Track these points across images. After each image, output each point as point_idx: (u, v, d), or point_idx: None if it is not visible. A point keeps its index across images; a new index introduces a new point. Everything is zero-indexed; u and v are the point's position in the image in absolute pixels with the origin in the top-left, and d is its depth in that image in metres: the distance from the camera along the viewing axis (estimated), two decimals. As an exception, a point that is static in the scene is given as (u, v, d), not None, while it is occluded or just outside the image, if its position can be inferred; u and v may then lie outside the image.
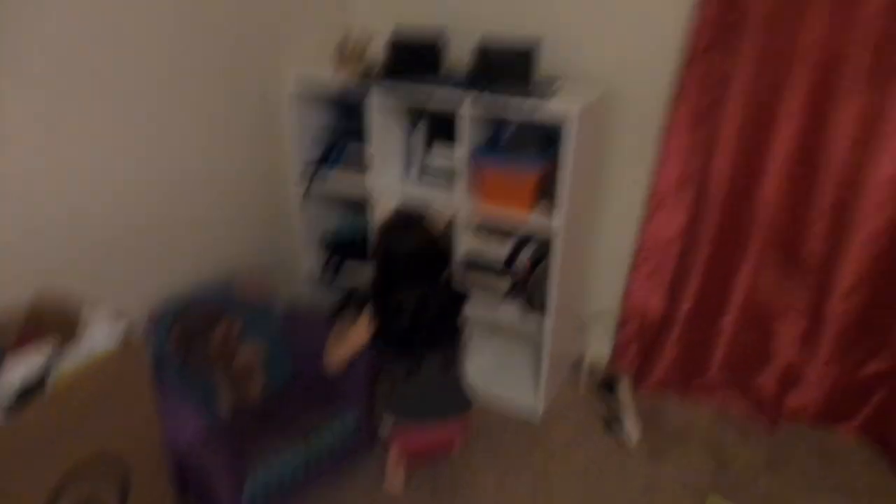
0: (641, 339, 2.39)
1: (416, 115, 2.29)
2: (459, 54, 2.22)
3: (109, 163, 1.70)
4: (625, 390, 2.28)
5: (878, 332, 2.03)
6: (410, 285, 1.78)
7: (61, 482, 1.29)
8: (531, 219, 2.02)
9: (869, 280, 1.98)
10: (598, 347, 2.52)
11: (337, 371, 1.87)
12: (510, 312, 2.19)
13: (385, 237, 1.86)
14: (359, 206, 2.50)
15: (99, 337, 1.39)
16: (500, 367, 2.51)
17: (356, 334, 1.81)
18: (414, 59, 2.18)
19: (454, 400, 1.87)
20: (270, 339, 2.00)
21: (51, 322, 1.47)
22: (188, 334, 1.81)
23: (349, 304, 2.41)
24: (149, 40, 1.73)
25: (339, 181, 2.32)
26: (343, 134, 2.38)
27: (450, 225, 2.08)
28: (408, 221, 1.88)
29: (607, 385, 2.35)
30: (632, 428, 2.14)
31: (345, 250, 2.52)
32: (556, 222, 1.94)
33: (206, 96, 1.96)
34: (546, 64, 2.12)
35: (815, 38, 1.78)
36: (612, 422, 2.21)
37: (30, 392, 1.25)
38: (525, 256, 2.17)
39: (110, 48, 1.63)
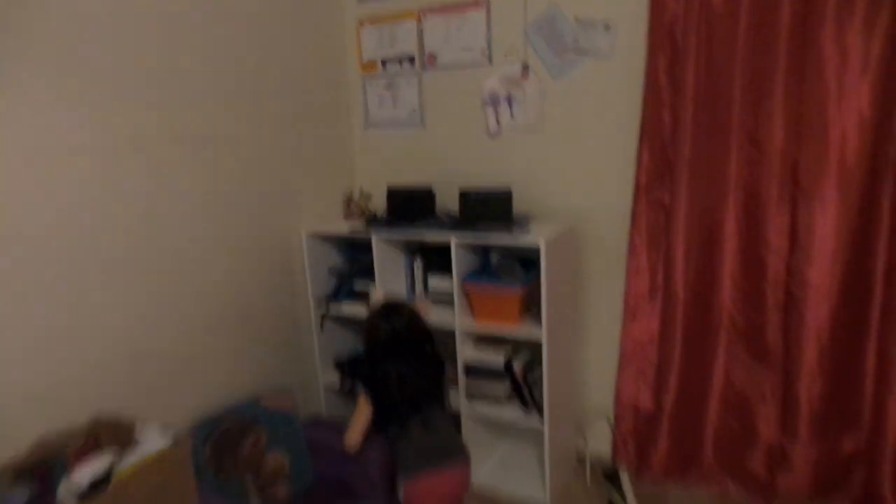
0: (636, 433, 2.61)
1: (414, 250, 2.69)
2: (445, 203, 2.67)
3: (162, 307, 2.08)
4: (626, 481, 2.47)
5: (845, 410, 2.26)
6: (395, 360, 2.09)
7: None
8: (520, 330, 2.34)
9: (826, 363, 2.23)
10: (599, 442, 2.73)
11: (355, 451, 2.12)
12: (511, 413, 2.45)
13: (373, 319, 2.18)
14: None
15: (152, 444, 1.69)
16: (508, 464, 2.72)
17: (360, 412, 2.09)
18: (409, 206, 2.62)
19: (451, 449, 2.05)
20: (294, 448, 2.26)
21: (108, 436, 1.76)
22: (221, 445, 2.07)
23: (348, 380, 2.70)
24: (199, 210, 2.18)
25: (351, 308, 2.67)
26: (352, 270, 2.77)
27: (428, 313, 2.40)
28: (394, 307, 2.21)
29: (610, 477, 2.53)
30: (635, 514, 2.32)
31: (356, 371, 2.80)
32: (542, 332, 2.26)
33: (240, 248, 2.38)
34: (520, 205, 2.54)
35: (735, 172, 2.19)
36: (616, 510, 2.38)
37: (97, 487, 1.52)
38: (519, 363, 2.46)
39: (176, 229, 2.08)
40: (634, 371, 2.57)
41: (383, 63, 2.81)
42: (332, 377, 2.80)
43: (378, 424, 2.11)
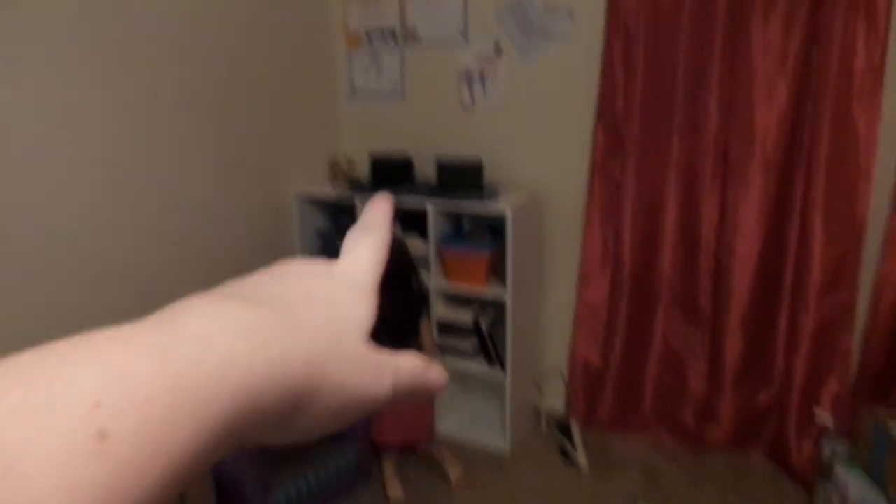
0: (586, 388, 2.91)
1: (395, 214, 2.92)
2: (423, 171, 2.90)
3: (163, 262, 2.30)
4: (576, 430, 2.77)
5: (762, 368, 2.58)
6: (382, 293, 2.33)
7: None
8: (487, 291, 2.61)
9: (747, 326, 2.55)
10: (553, 397, 3.03)
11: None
12: (477, 367, 2.73)
13: None
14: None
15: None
16: (472, 416, 3.01)
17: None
18: (391, 173, 2.85)
19: None
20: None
21: None
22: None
23: None
24: (193, 179, 2.39)
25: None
26: (336, 232, 3.01)
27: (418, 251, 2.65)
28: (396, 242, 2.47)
29: (562, 427, 2.83)
30: (582, 458, 2.63)
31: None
32: (506, 293, 2.53)
33: (234, 207, 2.59)
34: (489, 176, 2.79)
35: (677, 153, 2.47)
36: (567, 454, 2.69)
37: None
38: (485, 321, 2.74)
39: (168, 191, 2.28)
40: (586, 332, 2.86)
41: (368, 36, 2.99)
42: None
43: None
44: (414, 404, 2.44)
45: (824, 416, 2.32)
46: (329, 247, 2.98)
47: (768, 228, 2.41)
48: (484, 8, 2.72)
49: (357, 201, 2.74)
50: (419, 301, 2.44)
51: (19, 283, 1.86)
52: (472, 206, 2.54)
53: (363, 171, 3.04)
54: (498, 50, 2.73)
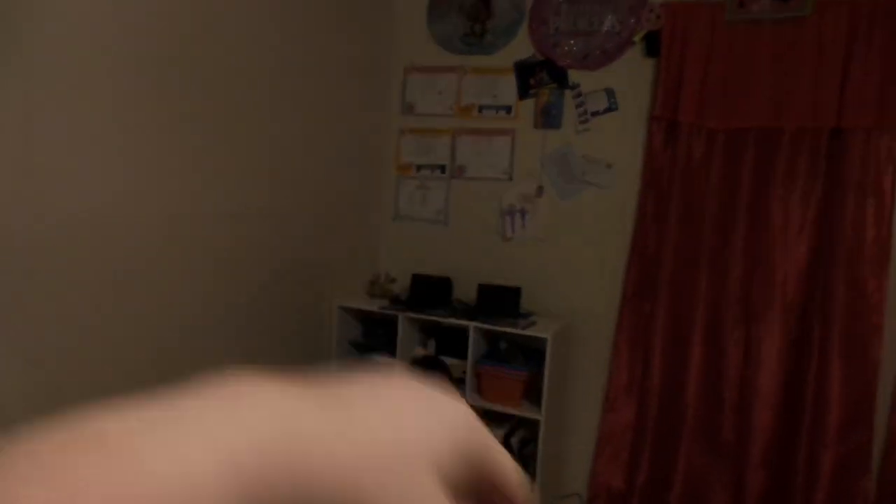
0: (608, 513, 2.98)
1: (428, 332, 3.09)
2: (459, 293, 3.11)
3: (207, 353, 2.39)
4: (598, 556, 2.81)
5: (782, 502, 2.71)
6: None
7: None
8: (521, 410, 2.73)
9: (768, 460, 2.70)
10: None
11: None
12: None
13: (415, 365, 2.56)
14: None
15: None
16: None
17: None
18: (429, 292, 3.05)
19: None
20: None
21: None
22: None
23: None
24: (241, 285, 2.55)
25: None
26: (371, 344, 3.13)
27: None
28: (434, 363, 2.65)
29: (583, 552, 2.87)
30: (606, 586, 2.65)
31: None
32: (541, 413, 2.66)
33: (278, 315, 2.73)
34: (526, 303, 3.00)
35: (705, 294, 2.73)
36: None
37: None
38: (516, 440, 2.83)
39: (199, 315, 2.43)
40: (609, 455, 2.97)
41: (417, 167, 3.30)
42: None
43: None
44: None
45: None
46: (363, 358, 3.10)
47: (788, 367, 2.64)
48: (529, 154, 3.06)
49: (400, 314, 2.91)
50: None
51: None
52: (514, 329, 2.73)
53: (403, 288, 3.23)
54: (540, 190, 3.04)
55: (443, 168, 3.25)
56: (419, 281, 3.08)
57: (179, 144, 2.13)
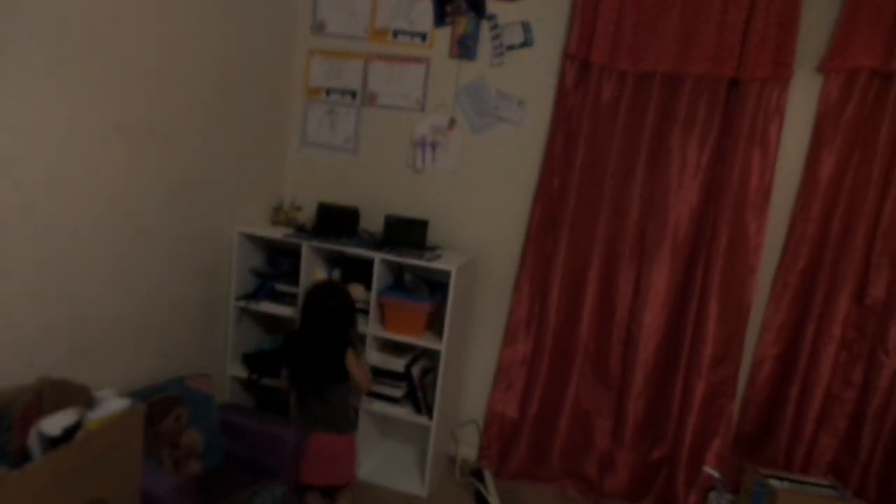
0: (500, 437, 3.12)
1: (334, 261, 3.05)
2: (366, 224, 3.08)
3: (100, 287, 2.26)
4: (489, 477, 2.96)
5: (658, 427, 2.94)
6: (315, 335, 2.49)
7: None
8: (423, 340, 2.78)
9: (649, 389, 2.91)
10: (468, 446, 3.21)
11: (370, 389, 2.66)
12: (402, 413, 2.86)
13: (316, 291, 2.57)
14: (280, 330, 3.12)
15: (113, 404, 1.89)
16: (391, 461, 3.11)
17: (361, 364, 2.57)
18: (336, 222, 2.98)
19: (343, 422, 2.57)
20: (209, 427, 2.48)
21: (57, 395, 1.92)
22: (148, 417, 2.26)
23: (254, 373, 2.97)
24: (137, 202, 2.39)
25: (270, 307, 2.95)
26: (275, 273, 3.05)
27: (360, 299, 2.76)
28: (337, 288, 2.61)
29: (476, 475, 3.01)
30: (497, 502, 2.81)
31: (263, 367, 3.06)
32: (442, 343, 2.71)
33: (177, 237, 2.59)
34: (432, 236, 3.01)
35: (602, 233, 2.84)
36: (480, 500, 2.86)
37: (68, 436, 1.71)
38: (417, 369, 2.89)
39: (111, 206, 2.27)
40: (506, 385, 3.10)
41: (327, 92, 3.16)
42: (240, 370, 3.03)
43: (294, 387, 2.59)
44: (339, 447, 2.54)
45: (712, 471, 2.70)
46: (264, 286, 3.02)
47: (672, 306, 2.82)
48: (443, 85, 3.00)
49: (304, 243, 2.84)
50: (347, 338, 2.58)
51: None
52: (419, 261, 2.73)
53: (308, 217, 3.14)
54: (452, 123, 3.01)
55: (353, 94, 3.14)
56: (325, 210, 3.00)
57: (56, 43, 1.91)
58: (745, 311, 2.70)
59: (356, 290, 2.76)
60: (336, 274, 3.02)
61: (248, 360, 3.07)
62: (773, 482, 2.31)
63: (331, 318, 2.53)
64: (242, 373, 3.01)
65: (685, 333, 2.81)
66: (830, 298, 2.61)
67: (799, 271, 2.65)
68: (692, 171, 2.71)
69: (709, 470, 2.73)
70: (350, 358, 2.53)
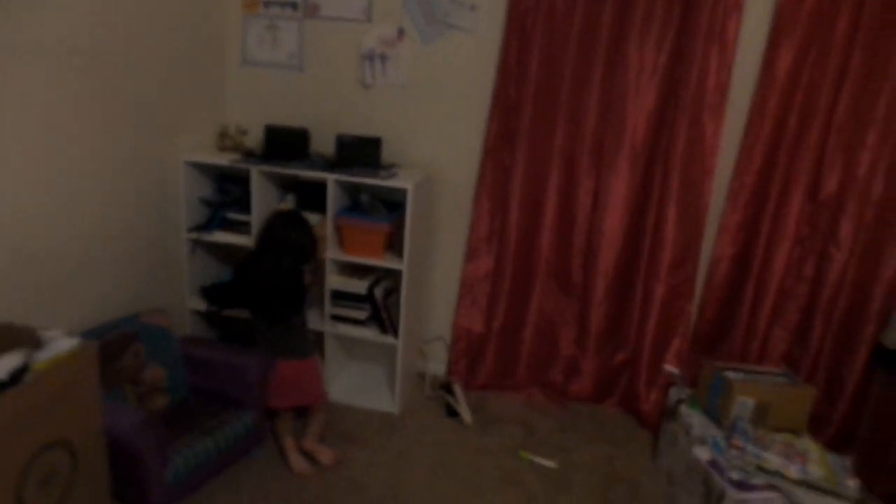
0: (468, 352, 3.17)
1: (287, 186, 2.94)
2: (318, 145, 2.95)
3: (50, 217, 2.14)
4: (459, 389, 3.03)
5: (620, 332, 3.01)
6: (275, 265, 2.42)
7: (31, 459, 1.68)
8: (384, 261, 2.74)
9: (610, 296, 2.96)
10: (436, 362, 3.26)
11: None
12: (369, 333, 2.86)
13: (275, 220, 2.50)
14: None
15: (62, 343, 1.82)
16: (360, 381, 3.15)
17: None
18: (285, 145, 2.86)
19: (303, 347, 2.56)
20: (171, 361, 2.44)
21: (3, 342, 1.85)
22: (104, 356, 2.20)
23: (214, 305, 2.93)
24: (79, 135, 2.23)
25: (223, 237, 2.86)
26: (225, 201, 2.94)
27: (323, 236, 2.69)
28: (300, 222, 2.54)
29: (446, 388, 3.07)
30: (465, 414, 2.88)
31: (223, 299, 3.00)
32: (403, 264, 2.68)
33: (119, 168, 2.45)
34: (386, 152, 2.91)
35: (560, 144, 2.78)
36: (452, 411, 2.93)
37: (16, 379, 1.65)
38: (380, 290, 2.87)
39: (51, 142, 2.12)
40: (470, 301, 3.11)
41: (266, 4, 2.95)
42: (200, 303, 2.97)
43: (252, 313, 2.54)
44: (303, 371, 2.54)
45: (672, 369, 2.80)
46: (215, 216, 2.91)
47: (631, 213, 2.82)
48: (389, -8, 2.82)
49: (253, 169, 2.72)
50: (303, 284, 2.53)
51: None
52: (374, 180, 2.65)
53: (256, 141, 3.00)
54: (401, 33, 2.85)
55: (294, 5, 2.93)
56: (273, 132, 2.86)
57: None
58: (702, 214, 2.71)
59: (321, 229, 2.68)
60: (291, 199, 2.92)
61: (207, 292, 3.00)
62: (729, 374, 2.40)
63: (287, 249, 2.46)
64: (202, 306, 2.95)
65: (644, 239, 2.83)
66: (785, 196, 2.64)
67: (755, 171, 2.65)
68: (649, 73, 2.64)
69: (668, 368, 2.83)
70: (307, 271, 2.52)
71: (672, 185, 2.69)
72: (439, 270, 3.16)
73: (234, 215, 2.89)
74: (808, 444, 2.25)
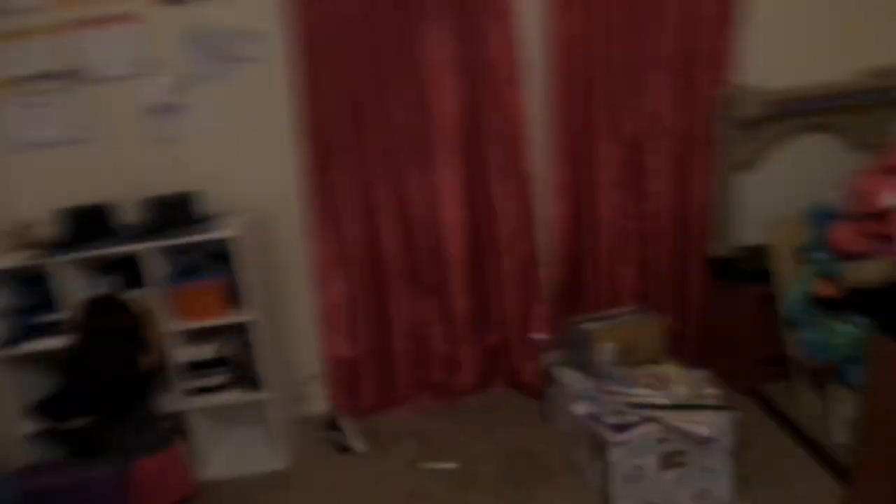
0: (344, 381, 3.07)
1: (107, 269, 2.67)
2: (127, 216, 2.72)
3: None
4: (345, 421, 2.92)
5: (484, 316, 3.05)
6: (108, 357, 2.23)
7: None
8: (228, 317, 2.58)
9: (467, 284, 2.98)
10: (316, 400, 3.13)
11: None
12: (235, 395, 2.69)
13: (85, 311, 2.28)
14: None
15: None
16: (241, 448, 2.95)
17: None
18: (86, 226, 2.60)
19: (157, 440, 2.39)
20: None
21: None
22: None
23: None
24: None
25: (39, 344, 2.54)
26: (32, 305, 2.62)
27: (148, 310, 2.47)
28: (107, 301, 2.34)
29: (331, 424, 2.95)
30: (358, 443, 2.80)
31: (60, 411, 2.66)
32: (248, 316, 2.54)
33: None
34: (208, 205, 2.73)
35: (378, 149, 2.75)
36: (344, 447, 2.82)
37: None
38: (232, 348, 2.69)
39: None
40: (330, 328, 3.01)
41: (13, 82, 2.66)
42: (34, 426, 2.62)
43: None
44: (166, 465, 2.36)
45: (539, 335, 2.88)
46: (25, 326, 2.59)
47: (464, 198, 2.86)
48: (162, 38, 2.63)
49: (47, 262, 2.44)
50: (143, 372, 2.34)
51: None
52: (190, 238, 2.47)
53: (51, 230, 2.70)
54: (186, 79, 2.68)
55: (48, 75, 2.67)
56: (69, 216, 2.59)
57: None
58: (528, 182, 2.82)
59: (143, 304, 2.45)
60: (117, 282, 2.65)
61: (42, 408, 2.66)
62: (588, 325, 2.51)
63: (111, 337, 2.24)
64: (35, 426, 2.61)
65: (482, 220, 2.89)
66: (595, 146, 2.80)
67: (565, 128, 2.77)
68: (447, 61, 2.67)
69: (535, 335, 2.91)
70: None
71: (493, 163, 2.78)
72: (293, 307, 3.03)
73: (46, 317, 2.58)
74: (668, 369, 2.40)
